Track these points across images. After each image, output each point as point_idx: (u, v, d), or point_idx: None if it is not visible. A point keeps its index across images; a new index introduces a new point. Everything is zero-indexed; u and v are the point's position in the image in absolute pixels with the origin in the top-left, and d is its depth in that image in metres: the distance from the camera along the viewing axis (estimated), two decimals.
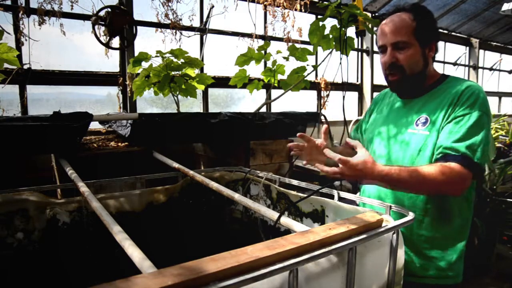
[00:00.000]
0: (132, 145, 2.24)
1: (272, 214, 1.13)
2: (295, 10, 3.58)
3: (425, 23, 1.27)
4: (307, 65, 2.73)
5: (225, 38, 3.58)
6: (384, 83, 1.37)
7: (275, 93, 3.28)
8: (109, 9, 2.66)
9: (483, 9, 5.21)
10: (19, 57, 2.50)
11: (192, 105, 3.61)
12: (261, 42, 3.47)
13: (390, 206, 1.15)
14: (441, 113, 1.22)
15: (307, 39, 2.51)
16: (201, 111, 3.57)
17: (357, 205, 1.41)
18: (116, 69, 3.05)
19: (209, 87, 3.38)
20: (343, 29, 2.33)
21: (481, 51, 6.72)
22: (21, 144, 1.81)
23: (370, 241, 0.95)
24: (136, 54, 2.58)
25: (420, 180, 1.09)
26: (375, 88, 4.84)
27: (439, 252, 1.25)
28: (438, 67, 7.20)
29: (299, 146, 1.34)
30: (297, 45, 2.68)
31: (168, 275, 0.62)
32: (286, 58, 2.72)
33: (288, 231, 1.43)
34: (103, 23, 2.68)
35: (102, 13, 2.67)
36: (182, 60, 2.50)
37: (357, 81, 4.90)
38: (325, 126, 1.31)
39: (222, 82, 3.39)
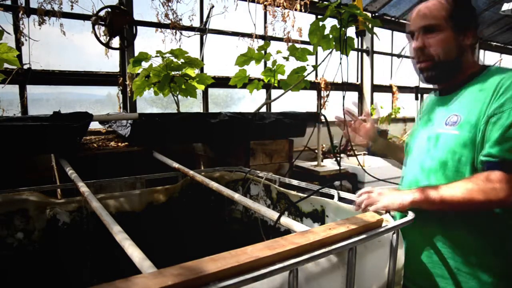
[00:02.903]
0: (132, 145, 2.24)
1: (272, 214, 1.14)
2: (295, 10, 3.58)
3: (462, 7, 1.15)
4: (307, 65, 2.74)
5: (225, 38, 3.58)
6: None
7: (275, 93, 3.28)
8: (109, 9, 2.66)
9: (483, 9, 5.20)
10: (19, 57, 2.50)
11: (192, 105, 3.61)
12: (261, 42, 3.47)
13: None
14: (476, 110, 1.05)
15: (307, 39, 2.51)
16: (201, 111, 3.57)
17: None
18: (116, 69, 3.05)
19: (209, 87, 3.38)
20: (343, 29, 2.33)
21: (481, 51, 6.72)
22: (21, 144, 1.81)
23: (370, 241, 0.95)
24: (136, 54, 2.58)
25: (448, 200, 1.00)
26: (375, 88, 4.83)
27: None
28: None
29: (341, 119, 1.53)
30: (297, 45, 2.68)
31: (168, 275, 0.62)
32: (286, 58, 2.72)
33: (288, 231, 1.43)
34: (103, 23, 2.68)
35: (102, 13, 2.67)
36: (182, 60, 2.50)
37: (357, 81, 4.90)
38: (366, 110, 1.36)
39: (222, 82, 3.39)
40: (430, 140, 1.17)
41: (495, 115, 1.01)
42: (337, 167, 2.62)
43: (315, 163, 3.24)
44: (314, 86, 4.19)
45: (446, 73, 1.18)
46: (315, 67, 2.89)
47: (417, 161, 1.22)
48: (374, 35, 2.47)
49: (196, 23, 3.34)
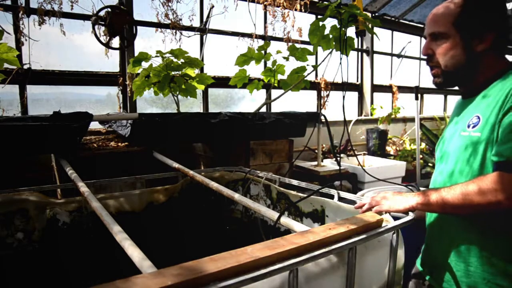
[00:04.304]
0: (132, 145, 2.24)
1: (272, 214, 1.14)
2: (295, 10, 3.58)
3: (476, 9, 1.09)
4: (307, 65, 2.74)
5: (225, 38, 3.58)
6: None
7: (275, 93, 3.28)
8: (109, 9, 2.66)
9: None
10: (19, 57, 2.50)
11: (192, 105, 3.61)
12: (261, 42, 3.47)
13: None
14: (495, 110, 1.02)
15: (307, 39, 2.51)
16: (201, 111, 3.57)
17: None
18: (116, 69, 3.05)
19: (209, 87, 3.38)
20: (343, 29, 2.33)
21: None
22: (21, 144, 1.81)
23: (370, 241, 0.95)
24: (136, 54, 2.58)
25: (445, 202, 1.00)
26: (375, 88, 4.83)
27: None
28: None
29: None
30: (297, 45, 2.68)
31: (168, 275, 0.62)
32: (286, 58, 2.72)
33: (288, 231, 1.43)
34: (103, 23, 2.68)
35: (102, 13, 2.67)
36: (182, 60, 2.50)
37: (357, 81, 4.90)
38: None
39: (222, 82, 3.39)
40: (454, 143, 1.15)
41: (507, 114, 0.98)
42: (337, 167, 2.62)
43: (315, 163, 3.24)
44: (314, 86, 4.19)
45: (454, 81, 1.18)
46: (315, 67, 2.89)
47: (442, 166, 1.20)
48: (374, 35, 2.47)
49: (196, 23, 3.34)
